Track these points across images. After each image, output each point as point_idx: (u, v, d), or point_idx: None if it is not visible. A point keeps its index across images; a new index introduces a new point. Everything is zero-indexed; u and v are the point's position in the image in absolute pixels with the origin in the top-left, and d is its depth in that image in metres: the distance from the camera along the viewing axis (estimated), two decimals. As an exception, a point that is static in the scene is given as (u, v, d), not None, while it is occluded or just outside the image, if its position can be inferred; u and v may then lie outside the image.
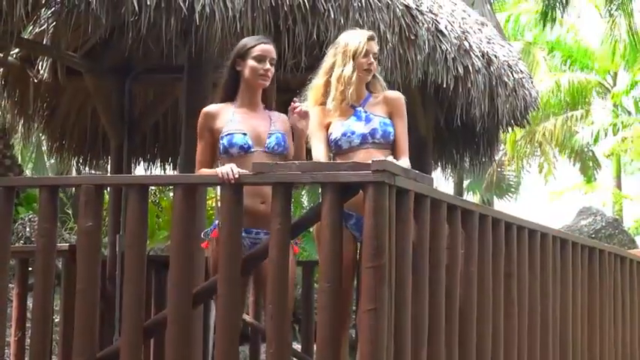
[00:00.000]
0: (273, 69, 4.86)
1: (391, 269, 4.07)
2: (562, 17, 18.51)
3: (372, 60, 5.02)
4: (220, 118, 4.81)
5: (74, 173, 12.31)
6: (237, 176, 4.29)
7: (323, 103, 5.04)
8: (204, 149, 4.85)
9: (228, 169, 4.32)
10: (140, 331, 4.46)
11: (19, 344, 6.63)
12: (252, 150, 4.74)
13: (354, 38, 5.02)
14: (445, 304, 4.52)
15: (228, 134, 4.76)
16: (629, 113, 25.77)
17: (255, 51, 4.81)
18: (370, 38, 5.04)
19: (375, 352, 3.94)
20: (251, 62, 4.80)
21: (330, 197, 4.10)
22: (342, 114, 5.02)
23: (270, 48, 4.86)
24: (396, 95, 5.15)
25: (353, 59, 4.95)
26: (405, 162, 4.87)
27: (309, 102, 5.05)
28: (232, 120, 4.78)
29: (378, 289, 3.98)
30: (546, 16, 17.34)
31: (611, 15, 19.84)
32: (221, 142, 4.78)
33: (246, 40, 4.93)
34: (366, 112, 5.03)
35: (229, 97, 4.90)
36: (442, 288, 4.50)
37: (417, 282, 4.28)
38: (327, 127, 5.04)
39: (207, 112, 4.87)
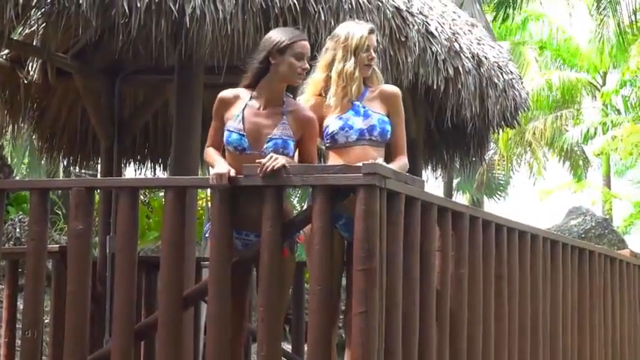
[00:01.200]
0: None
1: (382, 272, 4.08)
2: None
3: (373, 55, 4.86)
4: (231, 110, 4.68)
5: (61, 174, 12.28)
6: (227, 186, 4.32)
7: (320, 96, 4.87)
8: (216, 131, 4.73)
9: (217, 177, 4.33)
10: (131, 334, 4.46)
11: (10, 345, 6.61)
12: (248, 152, 4.60)
13: (355, 32, 4.82)
14: (436, 307, 4.53)
15: (228, 130, 4.64)
16: (619, 112, 25.80)
17: (297, 48, 4.63)
18: (371, 32, 4.86)
19: (366, 354, 3.95)
20: (291, 59, 4.61)
21: (321, 200, 4.11)
22: (341, 108, 4.83)
23: (308, 45, 4.72)
24: (393, 91, 4.94)
25: (354, 55, 4.78)
26: (402, 161, 4.81)
27: (306, 95, 4.88)
28: (239, 116, 4.64)
29: (369, 292, 3.99)
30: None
31: (599, 14, 19.90)
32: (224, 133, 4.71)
33: (283, 35, 4.70)
34: (364, 107, 4.84)
35: (256, 84, 4.72)
36: (433, 290, 4.51)
37: (407, 284, 4.29)
38: (321, 120, 4.84)
39: (222, 98, 4.73)
